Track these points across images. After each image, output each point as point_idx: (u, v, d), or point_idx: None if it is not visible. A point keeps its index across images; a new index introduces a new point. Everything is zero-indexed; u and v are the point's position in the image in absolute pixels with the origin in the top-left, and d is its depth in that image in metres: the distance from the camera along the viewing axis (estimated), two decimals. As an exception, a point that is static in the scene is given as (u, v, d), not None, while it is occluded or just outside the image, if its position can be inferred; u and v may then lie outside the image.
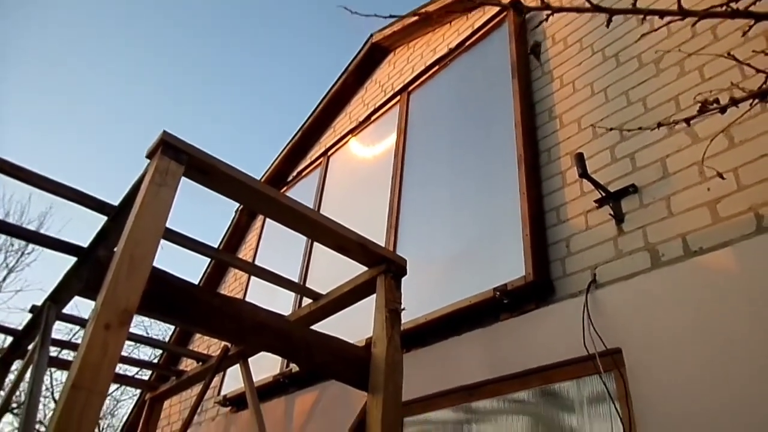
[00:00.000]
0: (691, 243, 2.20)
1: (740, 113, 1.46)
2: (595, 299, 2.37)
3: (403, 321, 2.44)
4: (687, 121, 1.29)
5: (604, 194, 2.57)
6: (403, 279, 2.52)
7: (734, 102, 1.13)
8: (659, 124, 1.43)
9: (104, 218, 2.25)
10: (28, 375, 2.53)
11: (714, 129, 2.28)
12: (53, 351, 3.64)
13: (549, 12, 1.21)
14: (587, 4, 1.20)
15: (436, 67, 4.36)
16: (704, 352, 1.94)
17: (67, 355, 4.03)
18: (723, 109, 1.16)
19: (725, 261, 2.04)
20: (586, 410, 2.30)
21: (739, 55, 1.50)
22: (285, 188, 5.88)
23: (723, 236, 2.10)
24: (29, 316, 2.97)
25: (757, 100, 1.15)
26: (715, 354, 1.91)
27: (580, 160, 2.56)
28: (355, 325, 2.93)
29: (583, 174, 2.53)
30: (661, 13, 1.18)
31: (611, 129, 2.42)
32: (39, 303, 2.83)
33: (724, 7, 1.08)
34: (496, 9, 3.91)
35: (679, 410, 1.92)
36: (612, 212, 2.52)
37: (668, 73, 2.68)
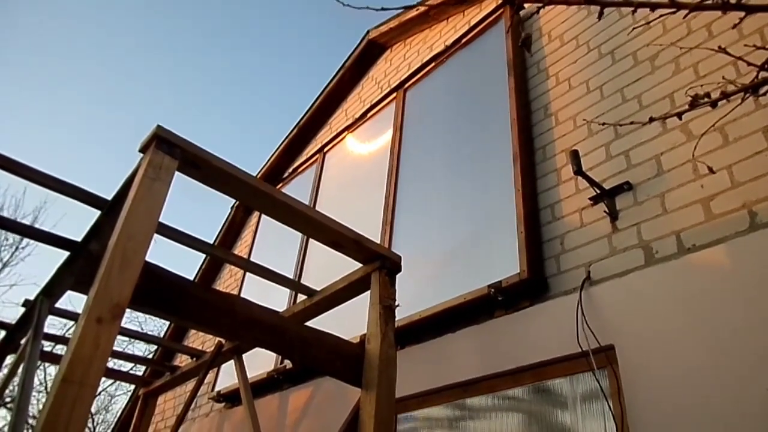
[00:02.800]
0: (684, 240, 2.20)
1: (732, 108, 1.47)
2: (590, 296, 2.37)
3: (397, 318, 2.44)
4: (679, 115, 1.29)
5: (598, 191, 2.58)
6: (398, 276, 2.52)
7: (725, 95, 1.13)
8: (651, 119, 1.43)
9: (98, 213, 2.24)
10: (20, 369, 2.52)
11: (705, 127, 2.29)
12: (47, 346, 3.63)
13: (540, 5, 1.20)
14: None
15: (433, 64, 4.36)
16: (697, 349, 1.95)
17: (60, 350, 4.01)
18: (714, 103, 1.16)
19: (719, 258, 2.04)
20: (580, 407, 2.30)
21: (734, 51, 1.50)
22: (281, 185, 5.87)
23: (717, 233, 2.11)
24: (22, 310, 2.96)
25: (748, 94, 1.15)
26: (708, 351, 1.92)
27: (575, 157, 2.56)
28: (349, 321, 2.93)
29: (578, 171, 2.53)
30: (653, 6, 1.18)
31: (604, 124, 2.42)
32: (30, 298, 2.82)
33: (715, 0, 1.08)
34: (493, 6, 3.91)
35: (671, 407, 1.92)
36: (606, 209, 2.52)
37: (663, 70, 2.68)
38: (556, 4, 1.26)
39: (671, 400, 1.93)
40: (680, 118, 1.30)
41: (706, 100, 1.14)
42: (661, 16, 1.21)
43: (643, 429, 1.95)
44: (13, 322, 3.20)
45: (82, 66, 22.22)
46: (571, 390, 2.36)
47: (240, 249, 6.36)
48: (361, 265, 2.54)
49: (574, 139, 2.92)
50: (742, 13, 1.08)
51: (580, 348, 2.23)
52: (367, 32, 5.65)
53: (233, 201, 6.52)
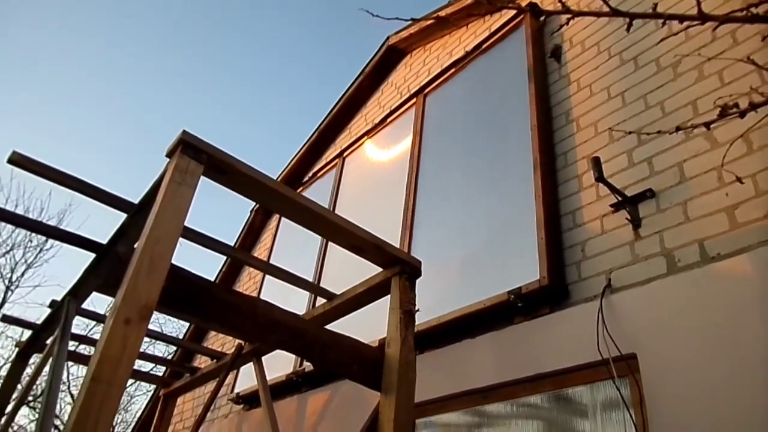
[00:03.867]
0: (708, 249, 2.18)
1: (759, 118, 1.45)
2: (611, 304, 2.36)
3: (416, 322, 2.45)
4: (707, 125, 1.29)
5: (620, 198, 2.56)
6: (418, 280, 2.53)
7: (753, 106, 1.12)
8: (678, 128, 1.42)
9: (119, 217, 2.29)
10: (46, 368, 2.58)
11: (732, 134, 2.26)
12: (71, 345, 3.70)
13: (569, 16, 1.21)
14: (605, 8, 1.20)
15: (452, 70, 4.37)
16: (721, 359, 1.92)
17: (83, 349, 4.09)
18: (743, 114, 1.15)
19: (743, 267, 2.02)
20: (600, 416, 2.29)
21: (759, 59, 1.49)
22: (300, 189, 5.92)
23: (741, 242, 2.08)
24: (46, 311, 3.03)
25: (778, 105, 1.14)
26: (731, 362, 1.89)
27: (596, 163, 2.55)
28: (368, 325, 2.95)
29: (600, 178, 2.52)
30: (681, 18, 1.18)
31: (630, 132, 2.41)
32: (56, 298, 2.89)
33: (744, 12, 1.08)
34: (513, 12, 3.91)
35: (694, 417, 1.90)
36: (629, 216, 2.51)
37: (686, 77, 2.66)
38: (583, 15, 1.26)
39: (694, 411, 1.91)
40: (708, 128, 1.30)
41: (735, 110, 1.14)
42: (688, 26, 1.21)
43: (665, 439, 1.93)
44: (37, 322, 3.28)
45: (109, 70, 22.64)
46: (591, 398, 2.35)
47: (259, 252, 6.42)
48: (380, 269, 2.55)
49: (595, 146, 2.90)
50: (771, 24, 1.08)
51: (600, 356, 2.21)
52: (387, 38, 5.69)
53: (251, 202, 6.59)
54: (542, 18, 3.69)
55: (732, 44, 2.54)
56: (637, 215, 2.50)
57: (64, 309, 2.59)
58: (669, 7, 2.90)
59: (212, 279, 6.58)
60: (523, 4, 3.78)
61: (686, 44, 2.73)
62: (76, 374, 13.15)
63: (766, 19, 1.08)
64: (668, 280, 2.24)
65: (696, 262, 2.18)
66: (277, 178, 6.36)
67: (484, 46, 4.10)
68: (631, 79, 2.95)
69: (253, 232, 6.73)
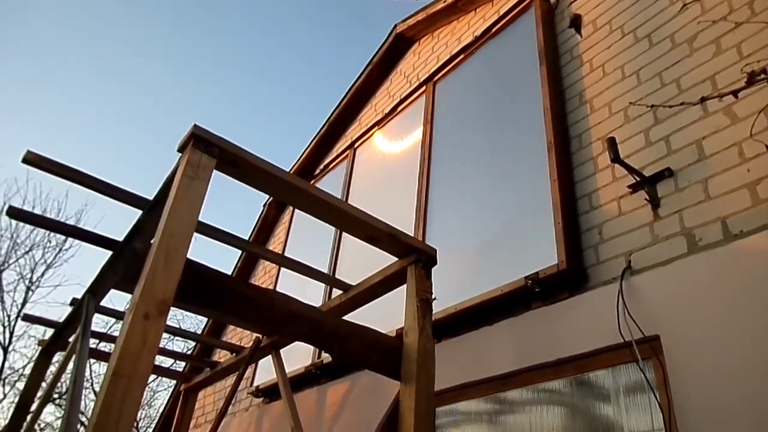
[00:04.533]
0: (731, 226, 2.13)
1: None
2: (631, 286, 2.32)
3: (433, 311, 2.43)
4: (735, 93, 1.24)
5: (638, 179, 2.52)
6: (434, 269, 2.51)
7: (785, 71, 1.09)
8: (703, 99, 1.37)
9: (134, 214, 2.30)
10: (70, 366, 2.61)
11: (752, 108, 2.21)
12: (92, 344, 3.75)
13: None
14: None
15: (462, 56, 4.32)
16: (746, 339, 1.88)
17: (104, 347, 4.14)
18: (772, 79, 1.11)
19: (767, 244, 1.97)
20: (623, 399, 2.26)
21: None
22: (312, 180, 5.92)
23: (764, 219, 2.03)
24: (67, 310, 3.07)
25: (807, 71, 1.10)
26: (757, 340, 1.85)
27: (612, 144, 2.50)
28: (385, 315, 2.94)
29: (616, 158, 2.48)
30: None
31: (652, 106, 2.32)
32: (77, 296, 2.92)
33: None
34: (523, -6, 3.84)
35: (720, 398, 1.87)
36: (647, 197, 2.46)
37: (703, 51, 2.59)
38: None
39: (719, 391, 1.88)
40: (736, 96, 1.25)
41: (763, 76, 1.10)
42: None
43: (691, 420, 1.90)
44: (59, 321, 3.32)
45: (115, 65, 22.79)
46: (613, 382, 2.32)
47: (273, 246, 6.44)
48: (396, 259, 2.54)
49: (610, 126, 2.85)
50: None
51: (622, 338, 2.18)
52: (395, 26, 5.63)
53: (263, 197, 6.61)
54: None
55: (750, 15, 2.46)
56: (656, 195, 2.46)
57: (85, 306, 2.61)
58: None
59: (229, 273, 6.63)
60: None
61: (702, 17, 2.66)
62: (98, 371, 13.35)
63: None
64: (689, 260, 2.19)
65: (719, 241, 2.14)
66: (290, 170, 6.36)
67: (494, 30, 4.04)
68: (645, 57, 2.89)
69: (266, 226, 6.75)
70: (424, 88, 4.64)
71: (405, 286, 2.45)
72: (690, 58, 2.65)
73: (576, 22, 1.52)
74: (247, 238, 6.73)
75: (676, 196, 2.39)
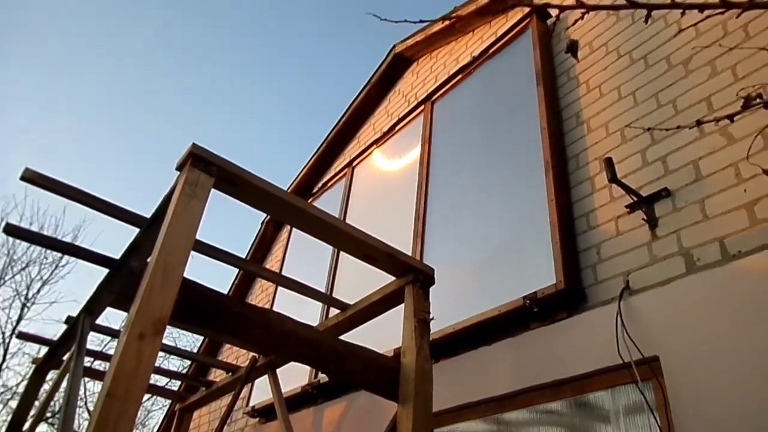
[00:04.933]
0: (729, 247, 2.13)
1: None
2: (629, 306, 2.31)
3: (431, 331, 2.42)
4: (731, 117, 1.25)
5: (635, 199, 2.52)
6: (431, 288, 2.51)
7: (779, 95, 1.10)
8: (698, 122, 1.39)
9: (131, 232, 2.29)
10: (63, 384, 2.58)
11: (748, 130, 2.22)
12: (86, 362, 3.71)
13: (584, 10, 1.19)
14: (621, 1, 1.18)
15: (460, 76, 4.36)
16: (746, 359, 1.87)
17: (99, 365, 4.10)
18: (767, 104, 1.12)
19: (765, 263, 1.97)
20: (623, 421, 2.24)
21: (775, 52, 1.46)
22: (311, 199, 5.93)
23: (762, 239, 2.04)
24: (63, 327, 3.04)
25: (800, 95, 1.11)
26: (757, 361, 1.84)
27: (609, 164, 2.52)
28: (383, 335, 2.92)
29: (613, 179, 2.49)
30: (701, 7, 1.15)
31: (648, 129, 2.35)
32: (72, 314, 2.90)
33: (767, -1, 1.06)
34: (520, 15, 3.90)
35: (720, 420, 1.85)
36: (645, 217, 2.46)
37: (699, 73, 2.62)
38: (599, 9, 1.24)
39: (720, 413, 1.86)
40: (732, 120, 1.27)
41: (759, 101, 1.11)
42: (707, 16, 1.18)
43: (691, 444, 1.88)
44: (53, 339, 3.29)
45: (113, 83, 22.94)
46: (613, 403, 2.30)
47: (271, 264, 6.42)
48: (393, 278, 2.53)
49: (607, 147, 2.87)
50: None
51: (621, 359, 2.17)
52: (393, 46, 5.69)
53: (261, 214, 6.60)
54: (552, 18, 3.67)
55: (744, 38, 2.50)
56: (654, 215, 2.46)
57: (80, 325, 2.59)
58: None
59: (225, 292, 6.60)
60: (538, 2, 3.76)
61: (697, 40, 2.70)
62: (92, 390, 13.20)
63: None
64: (688, 280, 2.19)
65: (717, 261, 2.14)
66: (288, 189, 6.36)
67: (491, 50, 4.09)
68: (641, 78, 2.92)
69: (264, 244, 6.74)
70: (422, 107, 4.67)
71: (402, 305, 2.44)
72: (686, 80, 2.68)
73: (572, 48, 1.54)
74: (245, 255, 6.74)
75: (673, 216, 2.40)
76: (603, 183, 2.75)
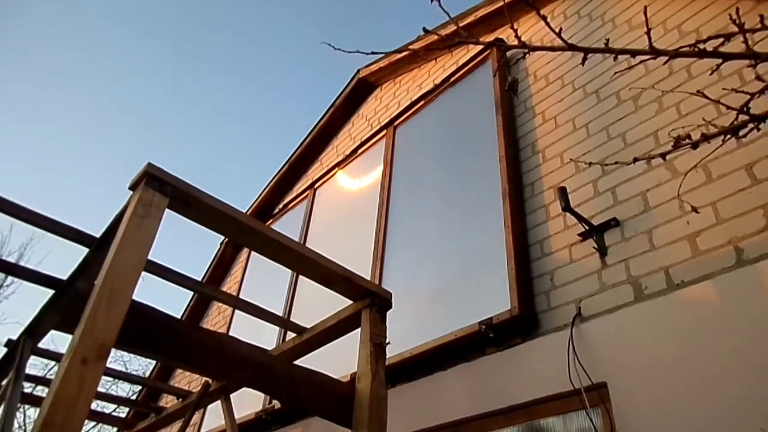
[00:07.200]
0: (673, 276, 2.22)
1: (713, 148, 1.51)
2: (581, 333, 2.37)
3: (387, 355, 2.40)
4: (663, 155, 1.33)
5: (587, 227, 2.60)
6: (389, 312, 2.50)
7: (705, 138, 1.17)
8: (635, 159, 1.46)
9: (83, 251, 2.22)
10: (-1, 412, 2.44)
11: (691, 164, 2.33)
12: (27, 387, 3.53)
13: (526, 51, 1.25)
14: (562, 44, 1.25)
15: (422, 102, 4.44)
16: (688, 384, 1.94)
17: (41, 391, 3.90)
18: (695, 145, 1.20)
19: (707, 294, 2.06)
20: (573, 446, 2.27)
21: (713, 92, 1.55)
22: (271, 221, 5.87)
23: (704, 269, 2.13)
24: (4, 350, 2.89)
25: (729, 136, 1.19)
26: (699, 387, 1.91)
27: (563, 194, 2.59)
28: (339, 359, 2.89)
29: (566, 208, 2.56)
30: (634, 53, 1.23)
31: (590, 164, 2.47)
32: (12, 337, 2.76)
33: (692, 48, 1.13)
34: (481, 46, 4.01)
35: (665, 446, 1.90)
36: (596, 246, 2.54)
37: (647, 109, 2.75)
38: (541, 50, 1.30)
39: (665, 439, 1.91)
40: (664, 158, 1.34)
41: (687, 141, 1.18)
42: (641, 61, 1.26)
43: (638, 469, 1.92)
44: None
45: (69, 98, 22.34)
46: (564, 429, 2.33)
47: (229, 285, 6.30)
48: (351, 302, 2.52)
49: (561, 176, 2.96)
50: (720, 60, 1.13)
51: (572, 386, 2.20)
52: (358, 71, 5.77)
53: (221, 236, 6.49)
54: (507, 52, 3.80)
55: (687, 78, 2.64)
56: (604, 244, 2.54)
57: (19, 349, 2.47)
58: (625, 44, 3.02)
59: (181, 314, 6.41)
60: (490, 40, 3.88)
61: (645, 78, 2.83)
62: (32, 417, 12.51)
63: (714, 54, 1.13)
64: (635, 308, 2.26)
65: (662, 290, 2.22)
66: (248, 210, 6.29)
67: (453, 79, 4.18)
68: (593, 111, 3.04)
69: (223, 264, 6.61)
70: (384, 131, 4.72)
71: (359, 329, 2.42)
72: (635, 114, 2.80)
73: (513, 86, 1.61)
74: (204, 274, 6.59)
75: (622, 245, 2.48)
76: (557, 211, 2.83)
